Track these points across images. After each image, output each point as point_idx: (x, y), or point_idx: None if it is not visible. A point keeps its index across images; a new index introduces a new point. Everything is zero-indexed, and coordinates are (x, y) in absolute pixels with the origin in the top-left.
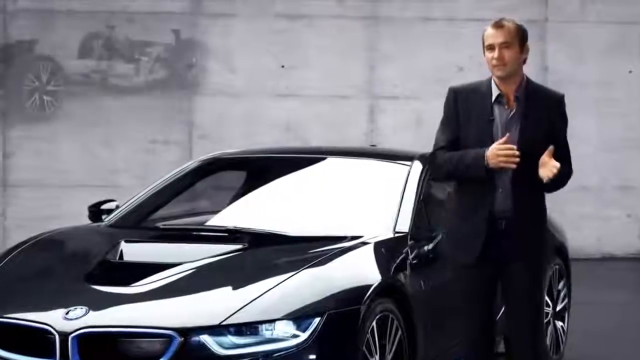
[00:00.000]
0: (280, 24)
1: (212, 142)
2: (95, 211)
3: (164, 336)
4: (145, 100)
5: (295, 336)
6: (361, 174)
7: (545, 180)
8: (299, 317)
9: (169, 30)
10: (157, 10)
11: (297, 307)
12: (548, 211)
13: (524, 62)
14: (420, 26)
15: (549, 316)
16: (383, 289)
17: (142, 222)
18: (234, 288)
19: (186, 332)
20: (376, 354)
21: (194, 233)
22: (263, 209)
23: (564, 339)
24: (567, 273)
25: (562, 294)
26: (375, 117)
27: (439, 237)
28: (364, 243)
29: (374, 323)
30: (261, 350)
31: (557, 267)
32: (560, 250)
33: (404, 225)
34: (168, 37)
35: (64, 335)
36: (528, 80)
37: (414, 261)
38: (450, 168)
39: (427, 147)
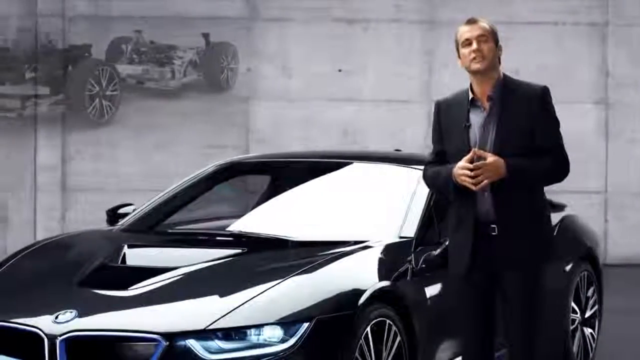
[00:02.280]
0: (337, 28)
1: (269, 147)
2: (113, 215)
3: (149, 340)
4: (202, 104)
5: (283, 341)
6: (373, 178)
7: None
8: (287, 322)
9: (228, 34)
10: (214, 15)
11: (285, 312)
12: (585, 217)
13: (499, 61)
14: None
15: (576, 323)
16: (380, 295)
17: (155, 226)
18: (224, 293)
19: (172, 337)
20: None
21: (200, 238)
22: (273, 214)
23: (593, 346)
24: (597, 279)
25: (591, 301)
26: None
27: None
28: (364, 248)
29: (368, 329)
30: (248, 355)
31: (585, 273)
32: (589, 255)
33: (410, 231)
34: (225, 42)
35: (52, 339)
36: (505, 78)
37: (420, 267)
38: (432, 184)
39: None
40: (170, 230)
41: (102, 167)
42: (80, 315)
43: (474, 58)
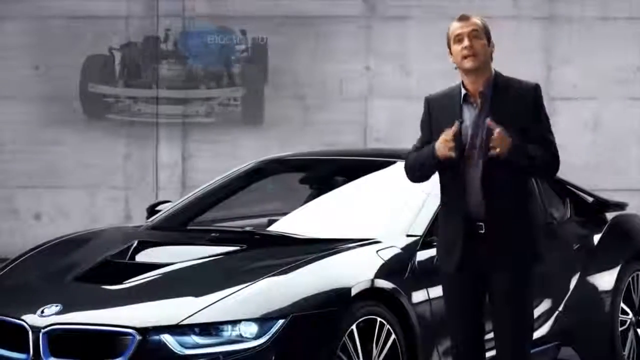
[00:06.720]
0: None
1: (387, 145)
2: (152, 212)
3: (124, 334)
4: (319, 101)
5: (257, 337)
6: (396, 177)
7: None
8: (262, 319)
9: (345, 34)
10: (332, 14)
11: (261, 308)
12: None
13: (491, 57)
14: (599, 26)
15: (627, 324)
16: (368, 292)
17: (185, 223)
18: (202, 289)
19: (145, 331)
20: (357, 358)
21: (211, 235)
22: (293, 211)
23: None
24: None
25: None
26: (552, 118)
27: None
28: (362, 245)
29: (353, 326)
30: (222, 351)
31: (638, 273)
32: None
33: (419, 229)
34: (343, 42)
35: (36, 332)
36: (497, 75)
37: (434, 266)
38: (412, 164)
39: (605, 149)
40: (189, 227)
41: (221, 164)
42: (64, 309)
43: (466, 56)
